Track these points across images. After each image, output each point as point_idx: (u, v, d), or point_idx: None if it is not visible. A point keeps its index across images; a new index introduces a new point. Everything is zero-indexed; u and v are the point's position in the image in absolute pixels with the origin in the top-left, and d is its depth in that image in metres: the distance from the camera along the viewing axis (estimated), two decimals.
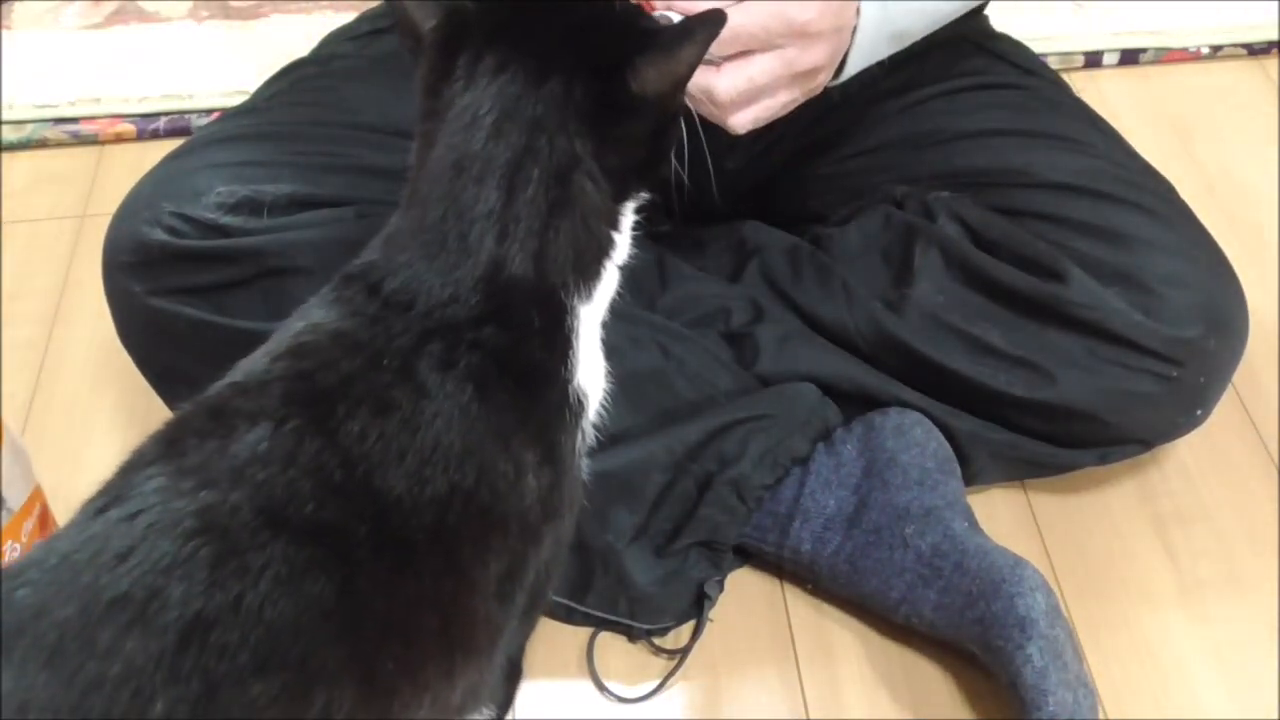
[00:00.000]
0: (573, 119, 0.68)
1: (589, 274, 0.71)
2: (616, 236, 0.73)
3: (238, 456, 0.62)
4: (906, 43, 0.95)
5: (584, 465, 0.75)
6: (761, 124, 0.86)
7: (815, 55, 0.83)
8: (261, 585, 0.57)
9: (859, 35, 0.87)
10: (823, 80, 0.87)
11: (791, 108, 0.87)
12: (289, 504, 0.60)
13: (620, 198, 0.72)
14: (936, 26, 0.98)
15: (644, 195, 0.74)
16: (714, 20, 0.69)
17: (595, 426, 0.74)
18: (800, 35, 0.82)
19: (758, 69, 0.82)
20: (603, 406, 0.75)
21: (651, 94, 0.69)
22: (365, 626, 0.60)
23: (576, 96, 0.68)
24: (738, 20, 0.77)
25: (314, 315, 0.70)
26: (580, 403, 0.71)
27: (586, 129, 0.68)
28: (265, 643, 0.57)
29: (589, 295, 0.71)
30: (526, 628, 0.76)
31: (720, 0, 0.74)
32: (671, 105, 0.72)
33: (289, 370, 0.66)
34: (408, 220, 0.71)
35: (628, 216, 0.74)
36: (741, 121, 0.85)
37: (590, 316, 0.72)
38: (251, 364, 0.68)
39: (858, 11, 0.87)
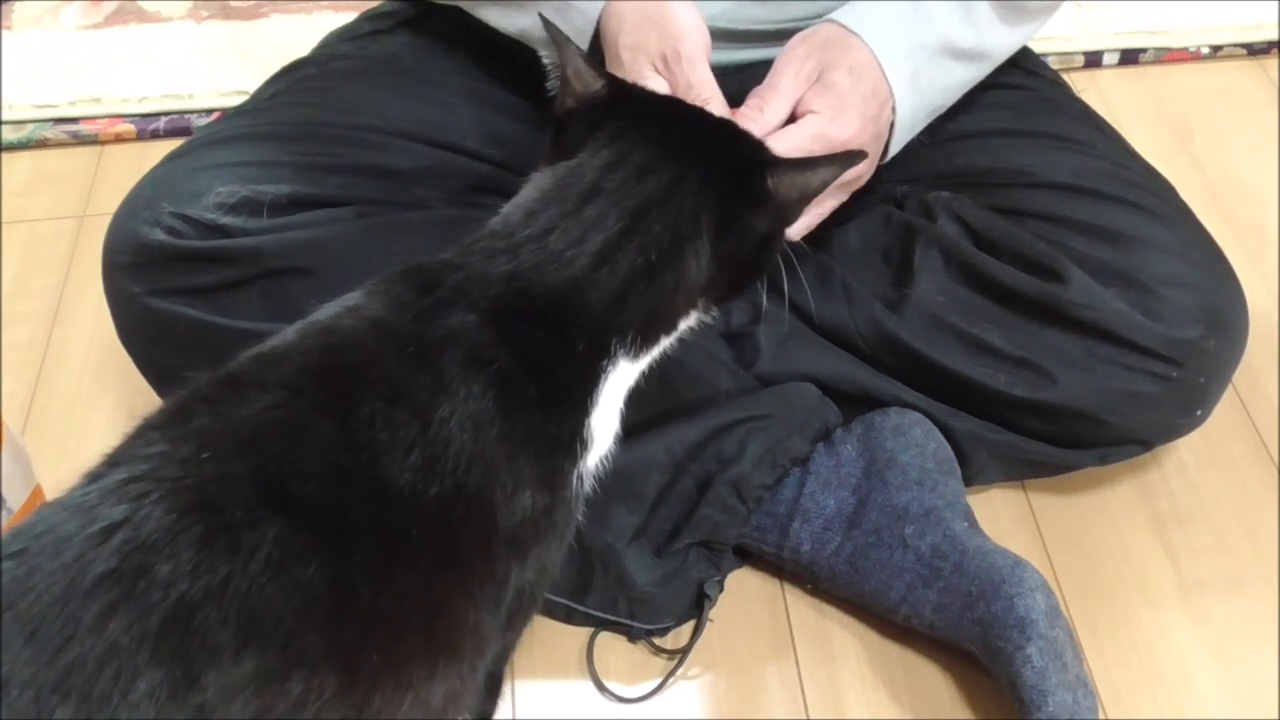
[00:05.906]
0: (709, 196, 0.72)
1: (645, 338, 0.73)
2: (682, 322, 0.75)
3: (246, 425, 0.61)
4: (942, 111, 0.99)
5: (580, 511, 0.75)
6: (813, 229, 0.91)
7: (858, 167, 0.87)
8: (251, 567, 0.57)
9: (898, 128, 0.92)
10: (866, 177, 0.92)
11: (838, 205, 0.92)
12: (291, 480, 0.60)
13: (706, 291, 0.75)
14: (968, 89, 1.00)
15: (714, 308, 0.77)
16: (855, 156, 0.78)
17: (595, 477, 0.75)
18: None
19: None
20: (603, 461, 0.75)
21: (781, 197, 0.75)
22: (352, 617, 0.60)
23: (719, 178, 0.73)
24: (783, 148, 0.82)
25: (354, 301, 0.70)
26: (586, 443, 0.72)
27: (716, 209, 0.73)
28: (248, 624, 0.56)
29: (634, 355, 0.73)
30: (506, 645, 0.76)
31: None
32: (788, 217, 0.78)
33: (315, 345, 0.67)
34: (503, 222, 0.72)
35: (698, 311, 0.76)
36: (795, 231, 0.89)
37: (624, 373, 0.73)
38: (280, 338, 0.68)
39: (893, 109, 0.90)
